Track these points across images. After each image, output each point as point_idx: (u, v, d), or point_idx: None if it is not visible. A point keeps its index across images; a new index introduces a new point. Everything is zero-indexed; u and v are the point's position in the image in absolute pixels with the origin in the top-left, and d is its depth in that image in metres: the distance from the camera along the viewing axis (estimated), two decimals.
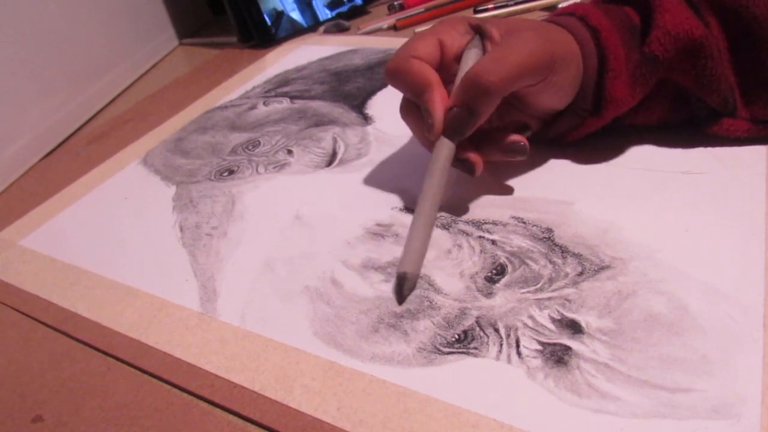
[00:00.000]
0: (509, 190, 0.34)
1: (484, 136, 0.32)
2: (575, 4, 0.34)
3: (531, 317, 0.26)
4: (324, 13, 0.70)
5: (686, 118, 0.34)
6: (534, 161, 0.35)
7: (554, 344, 0.24)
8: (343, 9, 0.71)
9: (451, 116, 0.30)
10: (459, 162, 0.31)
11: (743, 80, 0.32)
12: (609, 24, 0.31)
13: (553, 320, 0.25)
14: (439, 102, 0.30)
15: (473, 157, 0.31)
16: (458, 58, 0.32)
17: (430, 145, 0.31)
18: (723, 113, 0.33)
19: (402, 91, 0.32)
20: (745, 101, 0.33)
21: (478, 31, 0.32)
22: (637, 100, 0.32)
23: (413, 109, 0.32)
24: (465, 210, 0.33)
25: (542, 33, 0.30)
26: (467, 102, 0.29)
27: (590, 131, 0.34)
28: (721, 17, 0.32)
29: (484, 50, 0.32)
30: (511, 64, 0.28)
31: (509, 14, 0.61)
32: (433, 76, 0.30)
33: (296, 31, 0.69)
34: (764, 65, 0.31)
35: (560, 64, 0.30)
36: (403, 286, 0.28)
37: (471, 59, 0.31)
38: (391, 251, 0.31)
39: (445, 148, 0.30)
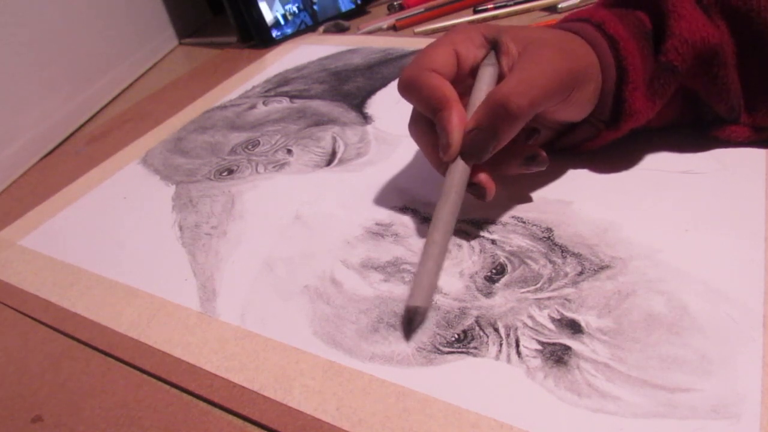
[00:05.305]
0: (515, 193, 0.34)
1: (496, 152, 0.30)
2: (588, 9, 0.33)
3: (531, 317, 0.26)
4: (346, 4, 0.72)
5: (693, 120, 0.34)
6: None
7: (554, 344, 0.24)
8: None
9: (471, 138, 0.28)
10: (469, 186, 0.29)
11: (748, 87, 0.32)
12: (626, 33, 0.30)
13: (553, 320, 0.25)
14: (457, 122, 0.28)
15: (485, 180, 0.29)
16: (473, 72, 0.30)
17: (441, 166, 0.30)
18: (728, 120, 0.33)
19: (416, 105, 0.30)
20: (749, 108, 0.32)
21: (494, 46, 0.31)
22: (655, 112, 0.31)
23: (425, 126, 0.30)
24: (465, 210, 0.33)
25: (563, 49, 0.29)
26: (491, 125, 0.27)
27: (606, 143, 0.33)
28: (731, 22, 0.31)
29: (500, 66, 0.30)
30: (539, 87, 0.27)
31: (509, 14, 0.61)
32: (452, 93, 0.28)
33: (297, 31, 0.69)
34: None
35: (582, 81, 0.29)
36: (413, 321, 0.26)
37: (486, 77, 0.30)
38: (391, 251, 0.31)
39: (460, 171, 0.28)
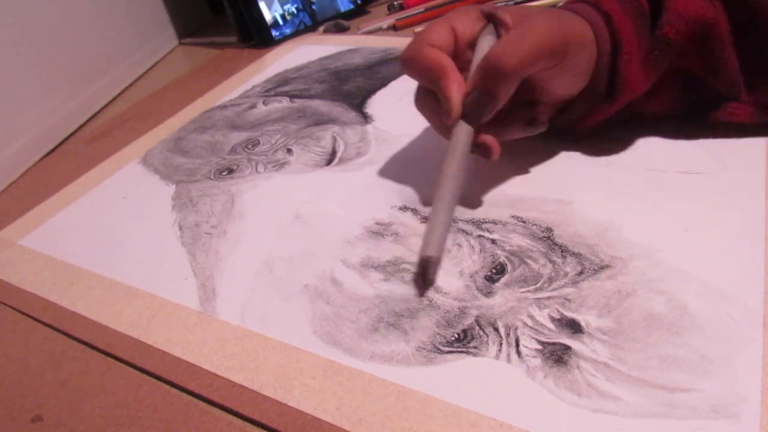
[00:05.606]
0: (510, 185, 0.34)
1: (498, 116, 0.31)
2: None
3: (531, 316, 0.26)
4: (345, 4, 0.72)
5: (694, 104, 0.34)
6: (534, 160, 0.35)
7: (554, 343, 0.24)
8: None
9: (470, 101, 0.29)
10: (475, 147, 0.31)
11: (745, 66, 0.33)
12: (621, 9, 0.32)
13: (553, 319, 0.25)
14: (455, 86, 0.30)
15: (490, 140, 0.31)
16: (471, 45, 0.32)
17: (446, 132, 0.31)
18: (729, 97, 0.33)
19: (417, 79, 0.32)
20: (748, 87, 0.33)
21: (491, 18, 0.32)
22: (650, 84, 0.32)
23: (429, 99, 0.32)
24: (465, 209, 0.33)
25: (556, 17, 0.30)
26: (486, 85, 0.29)
27: (603, 118, 0.34)
28: (726, 3, 0.32)
29: (498, 36, 0.31)
30: (528, 46, 0.28)
31: None
32: (448, 62, 0.30)
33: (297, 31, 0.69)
34: (765, 51, 0.32)
35: (575, 48, 0.30)
36: (428, 270, 0.25)
37: (485, 45, 0.31)
38: (391, 250, 0.31)
39: (464, 132, 0.29)
